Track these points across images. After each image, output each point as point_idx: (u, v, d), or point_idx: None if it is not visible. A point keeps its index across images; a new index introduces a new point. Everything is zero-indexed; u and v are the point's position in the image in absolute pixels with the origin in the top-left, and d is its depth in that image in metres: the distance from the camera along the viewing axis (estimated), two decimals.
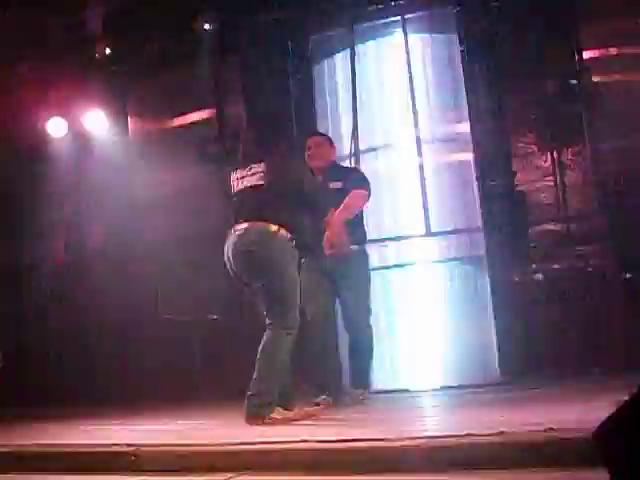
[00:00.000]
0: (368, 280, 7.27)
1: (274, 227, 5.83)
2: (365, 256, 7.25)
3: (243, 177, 6.08)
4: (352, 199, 6.91)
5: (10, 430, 6.71)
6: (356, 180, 7.15)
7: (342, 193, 6.89)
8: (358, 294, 7.12)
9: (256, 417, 5.57)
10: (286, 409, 5.80)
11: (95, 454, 4.81)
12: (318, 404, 6.71)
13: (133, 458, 4.57)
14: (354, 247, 6.75)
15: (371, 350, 7.22)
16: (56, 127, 10.40)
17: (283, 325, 5.82)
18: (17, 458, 5.10)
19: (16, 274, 10.71)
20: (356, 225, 6.96)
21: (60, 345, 10.09)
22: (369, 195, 7.11)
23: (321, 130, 9.11)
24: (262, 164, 5.99)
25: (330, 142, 7.49)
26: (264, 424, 5.48)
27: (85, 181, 10.46)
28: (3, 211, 10.44)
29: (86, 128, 10.42)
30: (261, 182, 5.98)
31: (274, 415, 5.60)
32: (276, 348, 5.82)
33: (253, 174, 6.02)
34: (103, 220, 10.46)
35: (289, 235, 5.88)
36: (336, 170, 7.32)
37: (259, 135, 6.33)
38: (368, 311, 7.21)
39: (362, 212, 7.20)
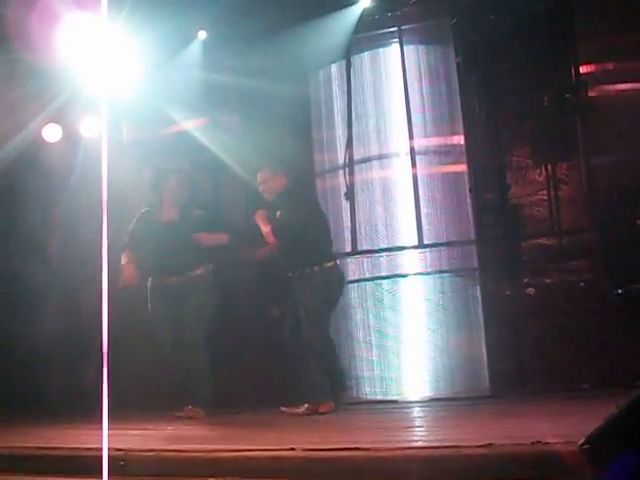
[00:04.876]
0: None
1: None
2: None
3: None
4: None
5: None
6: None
7: None
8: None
9: None
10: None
11: (84, 458, 4.80)
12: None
13: (122, 463, 4.56)
14: None
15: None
16: None
17: None
18: (4, 460, 5.09)
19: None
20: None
21: (49, 349, 10.02)
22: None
23: (316, 140, 9.34)
24: None
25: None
26: None
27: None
28: None
29: None
30: None
31: None
32: None
33: None
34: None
35: None
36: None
37: None
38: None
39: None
